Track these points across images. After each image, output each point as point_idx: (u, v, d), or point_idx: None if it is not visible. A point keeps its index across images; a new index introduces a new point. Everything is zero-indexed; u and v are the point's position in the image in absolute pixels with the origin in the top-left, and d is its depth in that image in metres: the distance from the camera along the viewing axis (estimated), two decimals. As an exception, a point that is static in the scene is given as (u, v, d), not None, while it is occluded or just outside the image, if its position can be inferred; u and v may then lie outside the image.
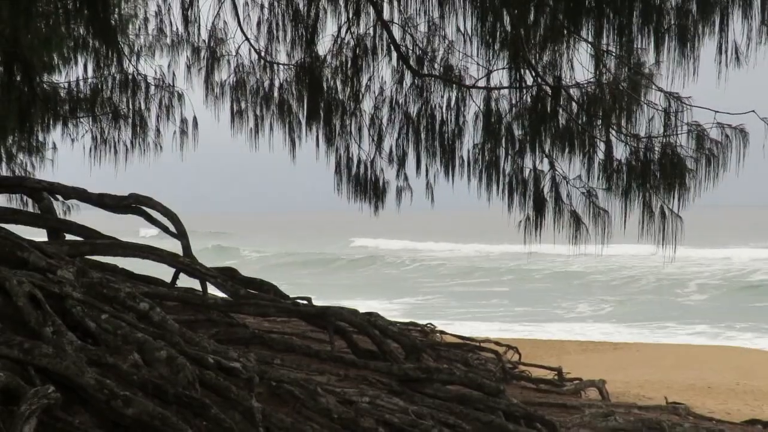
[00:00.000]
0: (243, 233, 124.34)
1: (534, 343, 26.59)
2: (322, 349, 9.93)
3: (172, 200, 14.13)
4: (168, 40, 15.14)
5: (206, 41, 14.41)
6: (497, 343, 15.08)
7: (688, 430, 8.91)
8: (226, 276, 11.05)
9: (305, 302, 11.68)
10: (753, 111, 10.50)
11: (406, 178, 13.98)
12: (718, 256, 70.92)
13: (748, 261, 68.30)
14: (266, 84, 14.47)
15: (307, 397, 6.93)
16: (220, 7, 14.04)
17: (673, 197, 11.59)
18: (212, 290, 11.36)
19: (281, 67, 14.22)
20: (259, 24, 13.92)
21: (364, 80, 13.57)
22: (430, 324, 15.81)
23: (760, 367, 23.54)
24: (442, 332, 15.59)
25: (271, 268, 64.05)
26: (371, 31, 13.09)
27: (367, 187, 14.18)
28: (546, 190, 12.40)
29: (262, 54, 14.17)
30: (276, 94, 14.42)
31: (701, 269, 61.65)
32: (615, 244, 13.29)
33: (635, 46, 10.13)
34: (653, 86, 11.36)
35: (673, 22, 9.67)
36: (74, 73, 15.63)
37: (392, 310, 38.39)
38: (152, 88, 15.69)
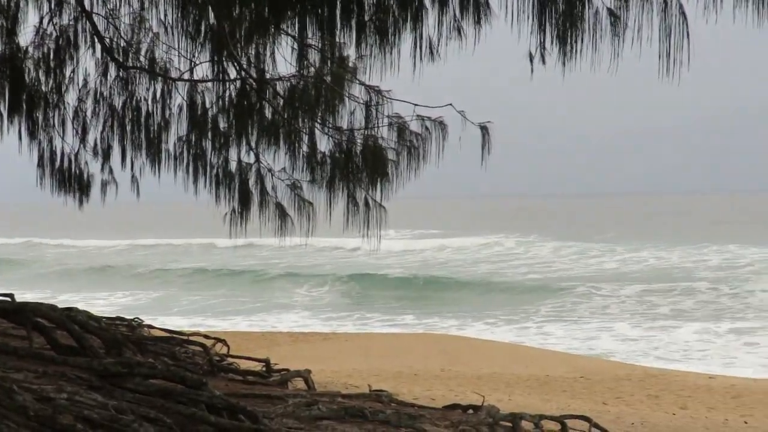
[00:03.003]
0: None
1: (245, 335, 26.72)
2: (20, 346, 9.64)
3: None
4: None
5: None
6: (206, 336, 15.04)
7: (389, 417, 9.11)
8: None
9: (7, 299, 11.32)
10: (450, 104, 10.85)
11: (111, 172, 13.83)
12: (418, 247, 73.19)
13: (452, 251, 71.00)
14: (-36, 76, 13.93)
15: (3, 396, 6.72)
16: None
17: (377, 188, 11.85)
18: None
19: (-20, 58, 13.72)
20: (-45, 13, 13.38)
21: (68, 72, 13.29)
22: (138, 318, 15.62)
23: (464, 353, 24.44)
24: (149, 326, 15.43)
25: None
26: (74, 22, 12.81)
27: (71, 181, 13.91)
28: (252, 182, 12.49)
29: (-41, 44, 13.63)
30: (-25, 86, 13.91)
31: (400, 259, 63.62)
32: (323, 238, 13.52)
33: (338, 40, 10.26)
34: (356, 80, 11.59)
35: (373, 16, 9.83)
36: None
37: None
38: None
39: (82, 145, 13.80)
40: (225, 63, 11.41)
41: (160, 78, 12.87)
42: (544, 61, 8.11)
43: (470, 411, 10.73)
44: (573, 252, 66.92)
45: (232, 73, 11.70)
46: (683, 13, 7.38)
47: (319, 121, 11.98)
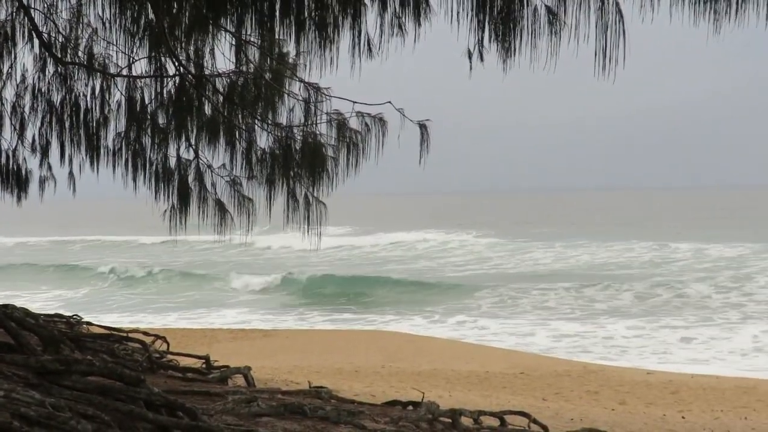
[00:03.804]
0: None
1: (185, 332, 26.66)
2: (-44, 344, 9.55)
3: None
4: None
5: None
6: (145, 333, 14.97)
7: (329, 413, 9.12)
8: None
9: (-59, 297, 11.21)
10: (389, 102, 10.86)
11: (50, 168, 13.77)
12: (356, 243, 73.38)
13: (389, 246, 71.19)
14: None
15: (-62, 394, 6.67)
16: None
17: (317, 184, 11.86)
18: None
19: None
20: None
21: (5, 68, 13.16)
22: (77, 315, 15.52)
23: (404, 349, 24.49)
24: (88, 323, 15.34)
25: None
26: (12, 17, 12.68)
27: (9, 177, 13.81)
28: (191, 179, 12.44)
29: None
30: None
31: (339, 255, 63.66)
32: (262, 235, 13.49)
33: (277, 36, 10.23)
34: (296, 77, 11.58)
35: (313, 13, 9.80)
36: None
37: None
38: None
39: (20, 141, 13.72)
40: (163, 59, 11.37)
41: (98, 74, 12.77)
42: (482, 59, 8.14)
43: (410, 407, 10.76)
44: (510, 248, 67.31)
45: (171, 69, 11.68)
46: (620, 12, 7.43)
47: (258, 117, 11.96)
